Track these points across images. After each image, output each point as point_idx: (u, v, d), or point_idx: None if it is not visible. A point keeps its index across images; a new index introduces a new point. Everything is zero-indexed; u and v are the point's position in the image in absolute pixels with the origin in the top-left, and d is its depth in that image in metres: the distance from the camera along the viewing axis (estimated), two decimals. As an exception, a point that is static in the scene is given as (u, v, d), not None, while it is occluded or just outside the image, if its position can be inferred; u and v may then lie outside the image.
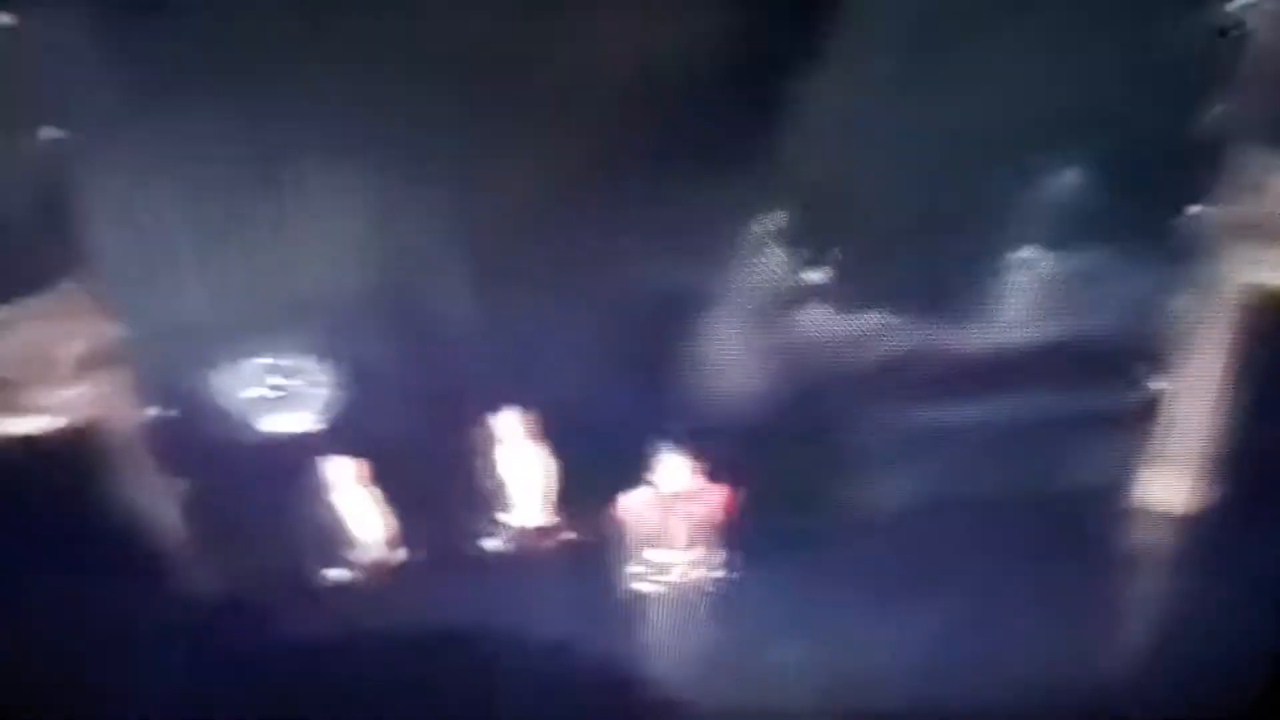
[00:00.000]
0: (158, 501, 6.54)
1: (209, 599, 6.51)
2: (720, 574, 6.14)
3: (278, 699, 5.92)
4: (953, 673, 5.97)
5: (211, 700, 6.04)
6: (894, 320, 6.54)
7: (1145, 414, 6.48)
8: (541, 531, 6.43)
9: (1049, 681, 5.97)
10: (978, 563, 6.16)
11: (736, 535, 6.21)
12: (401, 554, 6.45)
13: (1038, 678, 5.97)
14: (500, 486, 6.32)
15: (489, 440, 6.26)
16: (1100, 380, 6.42)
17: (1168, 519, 6.43)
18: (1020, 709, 6.00)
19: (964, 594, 6.14)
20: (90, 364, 6.12)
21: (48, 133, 5.64)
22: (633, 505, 6.00)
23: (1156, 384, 6.38)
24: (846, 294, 6.54)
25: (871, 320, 6.56)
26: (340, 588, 6.42)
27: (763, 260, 6.53)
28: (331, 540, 6.40)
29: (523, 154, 6.37)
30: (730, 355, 6.62)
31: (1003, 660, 6.03)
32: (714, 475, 6.13)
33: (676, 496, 5.84)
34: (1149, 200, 5.98)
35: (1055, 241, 6.30)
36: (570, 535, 6.45)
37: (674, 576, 6.07)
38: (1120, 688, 6.07)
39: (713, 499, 5.95)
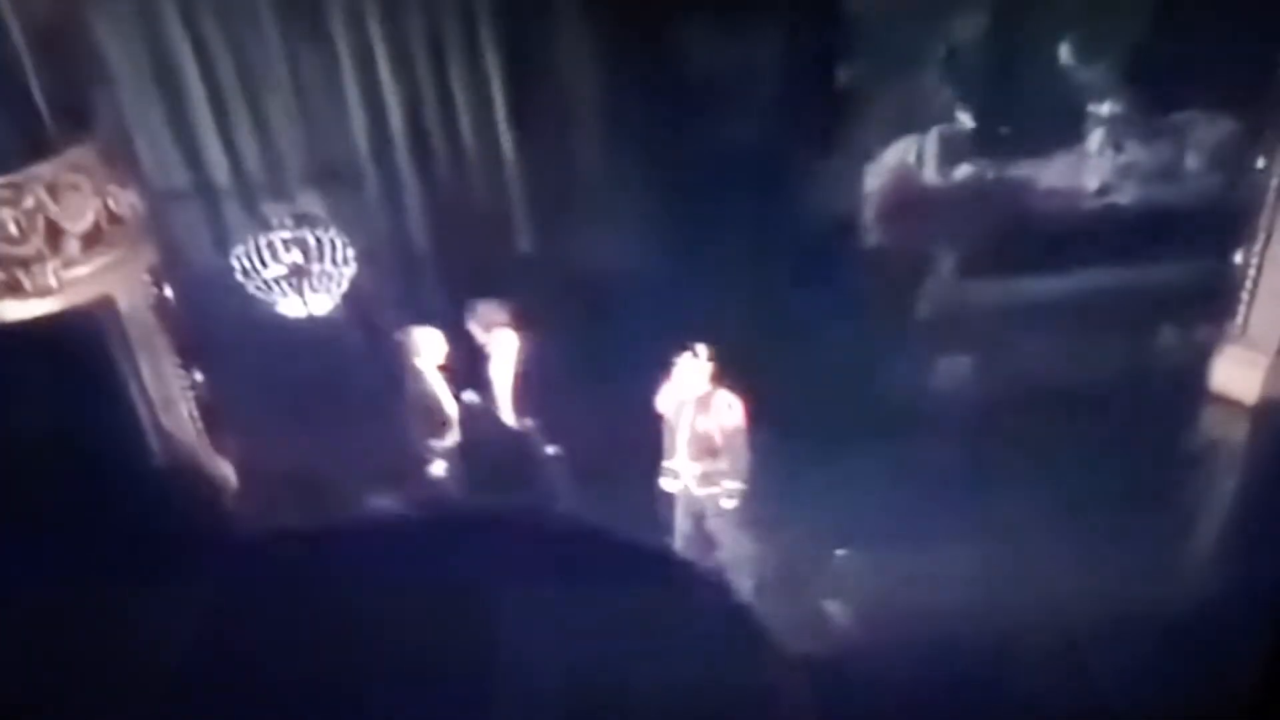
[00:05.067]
0: (170, 392, 6.21)
1: (223, 498, 6.22)
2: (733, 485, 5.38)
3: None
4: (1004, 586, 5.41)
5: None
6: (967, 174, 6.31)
7: (1223, 290, 6.07)
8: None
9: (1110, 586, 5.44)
10: (1030, 468, 5.52)
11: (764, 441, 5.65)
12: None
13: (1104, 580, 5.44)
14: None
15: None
16: (1177, 253, 6.09)
17: (1241, 409, 6.05)
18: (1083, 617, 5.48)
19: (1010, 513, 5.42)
20: (100, 239, 5.74)
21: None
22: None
23: (1236, 256, 5.97)
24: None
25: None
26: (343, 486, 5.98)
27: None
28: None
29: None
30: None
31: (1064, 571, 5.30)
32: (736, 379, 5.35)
33: (694, 401, 5.08)
34: (1240, 57, 5.61)
35: (1140, 99, 6.13)
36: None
37: (690, 485, 5.47)
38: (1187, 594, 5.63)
39: (730, 406, 5.11)
